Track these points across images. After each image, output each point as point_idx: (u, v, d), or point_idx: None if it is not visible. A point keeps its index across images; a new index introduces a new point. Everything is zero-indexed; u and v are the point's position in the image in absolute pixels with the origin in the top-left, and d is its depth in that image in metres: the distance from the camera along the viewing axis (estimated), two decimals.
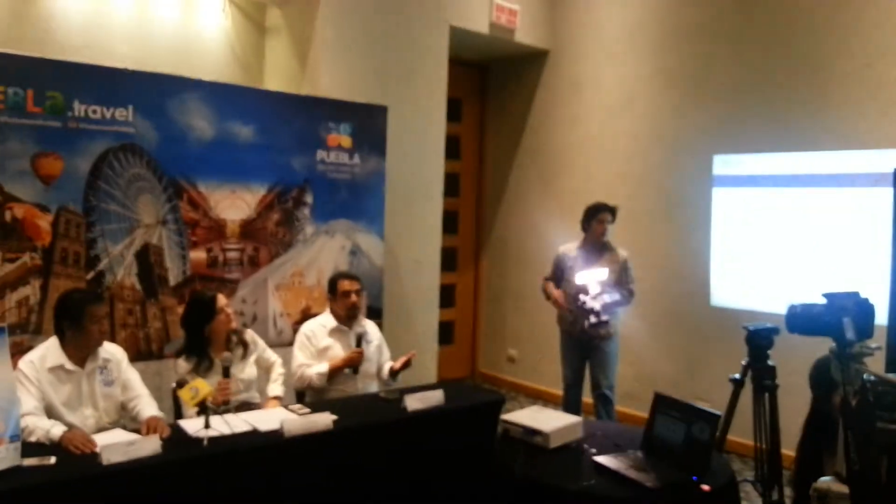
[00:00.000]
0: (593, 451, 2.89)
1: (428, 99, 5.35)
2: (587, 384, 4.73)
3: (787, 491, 3.43)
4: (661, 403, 2.97)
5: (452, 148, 6.39)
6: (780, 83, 4.78)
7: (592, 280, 4.39)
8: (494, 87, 6.73)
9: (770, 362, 3.35)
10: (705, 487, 2.62)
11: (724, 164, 5.05)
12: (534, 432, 2.94)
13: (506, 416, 3.09)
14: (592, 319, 4.38)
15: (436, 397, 3.39)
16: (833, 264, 4.48)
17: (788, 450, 3.34)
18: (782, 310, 2.88)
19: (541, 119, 6.32)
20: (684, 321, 5.31)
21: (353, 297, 3.80)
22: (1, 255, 3.39)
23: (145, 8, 4.86)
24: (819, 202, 4.59)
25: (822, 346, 2.60)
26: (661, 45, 5.44)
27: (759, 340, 3.35)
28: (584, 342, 4.61)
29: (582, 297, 4.38)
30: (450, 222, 6.42)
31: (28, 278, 3.48)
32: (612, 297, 4.45)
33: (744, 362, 3.41)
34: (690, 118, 5.26)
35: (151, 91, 3.84)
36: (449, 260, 6.49)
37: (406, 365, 3.78)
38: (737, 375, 3.44)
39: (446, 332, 6.58)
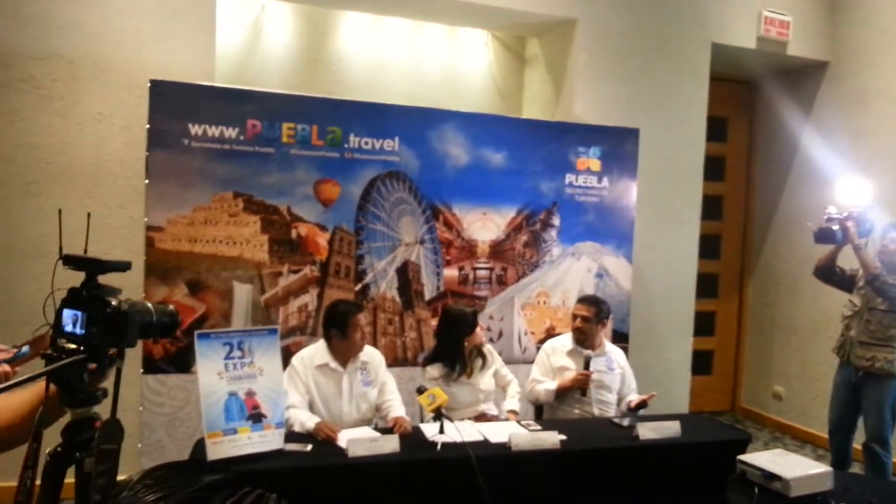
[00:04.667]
0: None
1: (686, 119, 5.19)
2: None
3: None
4: None
5: (716, 169, 6.11)
6: None
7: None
8: (764, 104, 6.29)
9: None
10: None
11: None
12: (773, 477, 2.72)
13: (743, 457, 2.89)
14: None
15: (672, 429, 3.29)
16: None
17: None
18: None
19: (819, 136, 5.77)
20: None
21: (576, 322, 3.82)
22: (288, 267, 3.98)
23: (418, 48, 5.37)
24: None
25: None
26: None
27: None
28: (851, 379, 4.11)
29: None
30: (711, 247, 6.13)
31: (308, 287, 4.03)
32: None
33: None
34: None
35: (414, 123, 4.23)
36: (709, 286, 6.19)
37: (642, 404, 3.70)
38: None
39: (704, 362, 6.26)
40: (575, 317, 3.82)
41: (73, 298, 1.26)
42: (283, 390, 2.97)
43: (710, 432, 3.54)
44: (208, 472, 0.60)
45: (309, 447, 2.84)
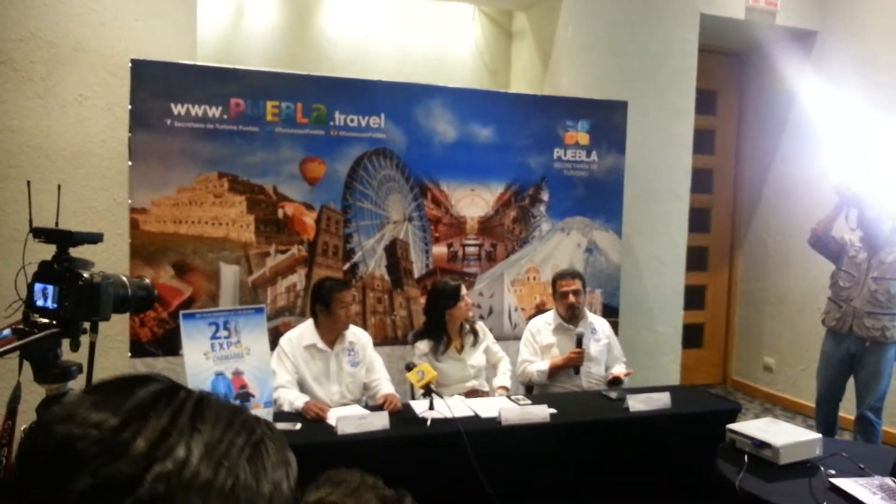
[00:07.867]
0: (832, 472, 2.61)
1: (674, 92, 5.15)
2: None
3: None
4: None
5: (705, 142, 6.08)
6: None
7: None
8: (754, 76, 6.25)
9: None
10: None
11: None
12: (762, 445, 2.73)
13: (733, 426, 2.89)
14: None
15: (661, 400, 3.31)
16: None
17: None
18: None
19: (809, 107, 5.73)
20: None
21: (570, 298, 3.80)
22: (275, 247, 3.95)
23: (405, 25, 5.30)
24: None
25: None
26: None
27: None
28: (850, 349, 4.10)
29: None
30: (701, 220, 6.12)
31: (296, 267, 4.01)
32: None
33: None
34: None
35: (401, 99, 4.19)
36: (699, 259, 6.19)
37: (618, 381, 3.69)
38: None
39: (695, 335, 6.27)
40: (566, 293, 3.80)
41: (45, 272, 1.23)
42: (271, 370, 2.96)
43: (699, 403, 3.55)
44: (143, 384, 0.56)
45: (298, 426, 2.83)
